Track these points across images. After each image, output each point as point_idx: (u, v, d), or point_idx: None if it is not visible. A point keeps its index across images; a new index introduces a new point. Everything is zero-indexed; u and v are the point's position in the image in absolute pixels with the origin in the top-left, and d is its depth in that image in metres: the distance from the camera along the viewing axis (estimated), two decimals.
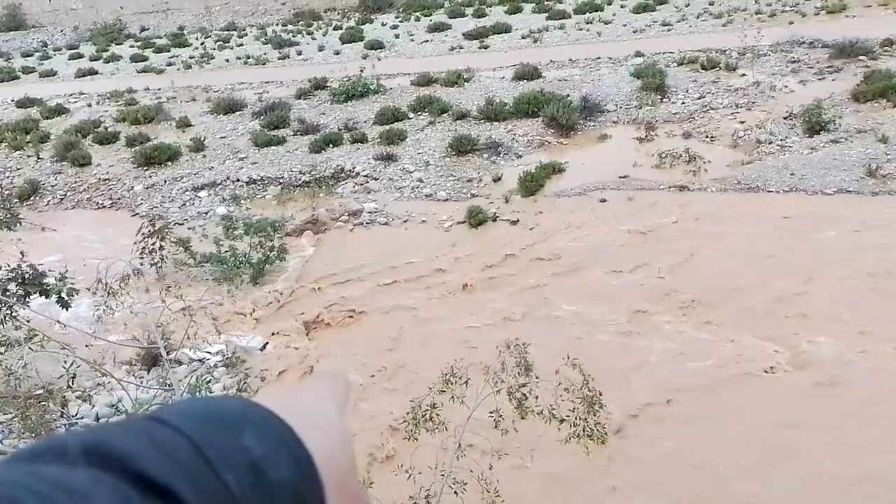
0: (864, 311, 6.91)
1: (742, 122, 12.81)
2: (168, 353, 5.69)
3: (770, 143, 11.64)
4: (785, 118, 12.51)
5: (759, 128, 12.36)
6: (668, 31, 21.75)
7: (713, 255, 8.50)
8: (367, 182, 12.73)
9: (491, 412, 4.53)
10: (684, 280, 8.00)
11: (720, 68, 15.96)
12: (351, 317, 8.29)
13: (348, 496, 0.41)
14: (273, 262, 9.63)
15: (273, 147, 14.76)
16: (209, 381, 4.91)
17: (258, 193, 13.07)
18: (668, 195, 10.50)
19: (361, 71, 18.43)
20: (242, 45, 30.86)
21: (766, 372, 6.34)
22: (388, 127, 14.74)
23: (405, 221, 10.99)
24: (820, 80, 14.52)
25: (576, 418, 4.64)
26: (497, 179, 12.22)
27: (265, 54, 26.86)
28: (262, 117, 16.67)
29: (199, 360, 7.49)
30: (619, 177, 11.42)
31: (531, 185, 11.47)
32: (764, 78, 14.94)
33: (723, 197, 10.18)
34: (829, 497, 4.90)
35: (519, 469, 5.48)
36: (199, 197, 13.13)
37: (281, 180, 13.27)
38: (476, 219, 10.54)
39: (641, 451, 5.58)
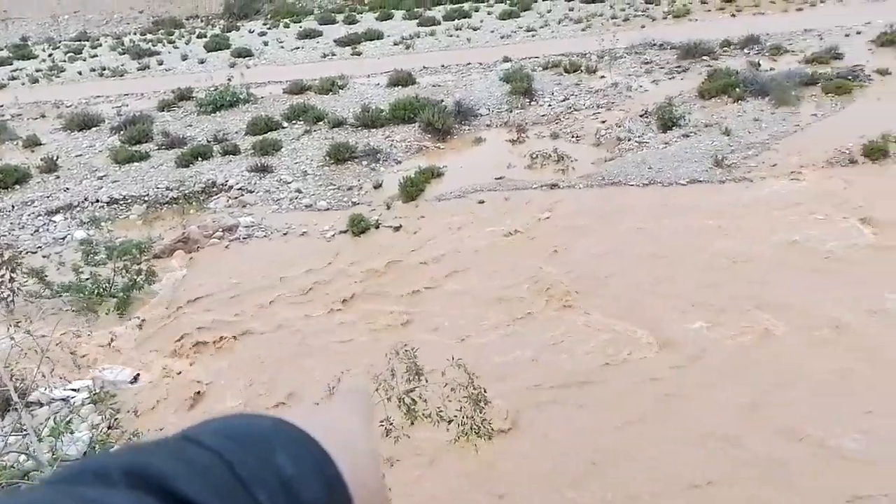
0: (720, 292, 7.55)
1: (603, 122, 13.60)
2: (21, 395, 5.18)
3: (629, 140, 12.45)
4: (641, 116, 13.43)
5: (619, 126, 13.18)
6: (533, 36, 22.72)
7: (585, 248, 8.95)
8: (242, 195, 12.26)
9: (381, 421, 4.50)
10: (560, 274, 8.37)
11: (582, 71, 16.86)
12: (232, 338, 7.94)
13: None
14: (141, 286, 9.03)
15: (135, 163, 13.87)
16: (70, 422, 4.52)
17: (121, 214, 12.23)
18: (541, 193, 10.94)
19: (229, 80, 17.79)
20: (97, 55, 28.79)
21: (641, 356, 6.76)
22: (261, 137, 14.30)
23: (285, 234, 10.70)
24: (670, 79, 15.72)
25: (463, 417, 4.73)
26: (378, 186, 12.19)
27: (123, 65, 25.20)
28: (121, 132, 15.62)
29: (63, 400, 6.89)
30: (496, 178, 11.76)
31: (412, 190, 11.54)
32: (621, 79, 15.96)
33: (590, 192, 10.75)
34: (694, 455, 5.32)
35: (413, 473, 5.49)
36: (55, 221, 12.08)
37: (146, 198, 12.49)
38: (359, 227, 10.45)
39: (527, 445, 5.77)
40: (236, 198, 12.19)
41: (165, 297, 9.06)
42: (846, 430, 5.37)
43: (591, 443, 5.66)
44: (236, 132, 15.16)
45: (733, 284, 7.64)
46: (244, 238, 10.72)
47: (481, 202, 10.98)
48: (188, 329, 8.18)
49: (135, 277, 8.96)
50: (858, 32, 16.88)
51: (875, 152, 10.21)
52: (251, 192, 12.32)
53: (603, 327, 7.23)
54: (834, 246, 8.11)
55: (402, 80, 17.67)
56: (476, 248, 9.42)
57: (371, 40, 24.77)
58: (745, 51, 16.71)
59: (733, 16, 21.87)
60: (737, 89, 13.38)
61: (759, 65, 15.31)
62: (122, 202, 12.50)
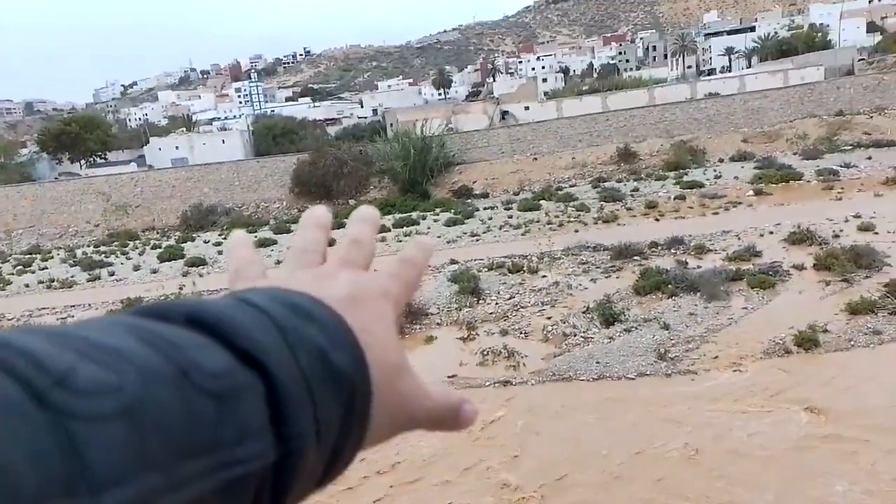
0: (685, 485, 7.37)
1: (549, 318, 14.08)
2: None
3: (575, 336, 12.83)
4: (584, 312, 14.00)
5: (564, 322, 13.65)
6: (477, 240, 24.20)
7: (539, 446, 8.76)
8: None
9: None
10: (518, 474, 8.07)
11: (524, 271, 17.79)
12: None
13: (397, 395, 0.43)
14: None
15: None
16: None
17: None
18: (494, 391, 10.91)
19: (181, 288, 17.92)
20: (47, 267, 28.84)
21: None
22: None
23: None
24: (606, 277, 16.69)
25: None
26: None
27: (72, 276, 25.23)
28: None
29: None
30: (448, 376, 11.74)
31: None
32: (561, 278, 16.86)
33: (542, 388, 10.79)
34: None
35: None
36: None
37: None
38: None
39: None
40: None
41: None
42: None
43: None
44: None
45: (693, 482, 7.49)
46: None
47: None
48: None
49: None
50: (771, 233, 18.66)
51: (806, 342, 10.78)
52: None
53: None
54: (783, 437, 8.19)
55: None
56: (432, 452, 9.09)
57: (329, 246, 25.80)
58: (672, 251, 18.10)
59: (657, 220, 23.99)
60: (669, 286, 14.26)
61: (687, 263, 16.52)
62: None
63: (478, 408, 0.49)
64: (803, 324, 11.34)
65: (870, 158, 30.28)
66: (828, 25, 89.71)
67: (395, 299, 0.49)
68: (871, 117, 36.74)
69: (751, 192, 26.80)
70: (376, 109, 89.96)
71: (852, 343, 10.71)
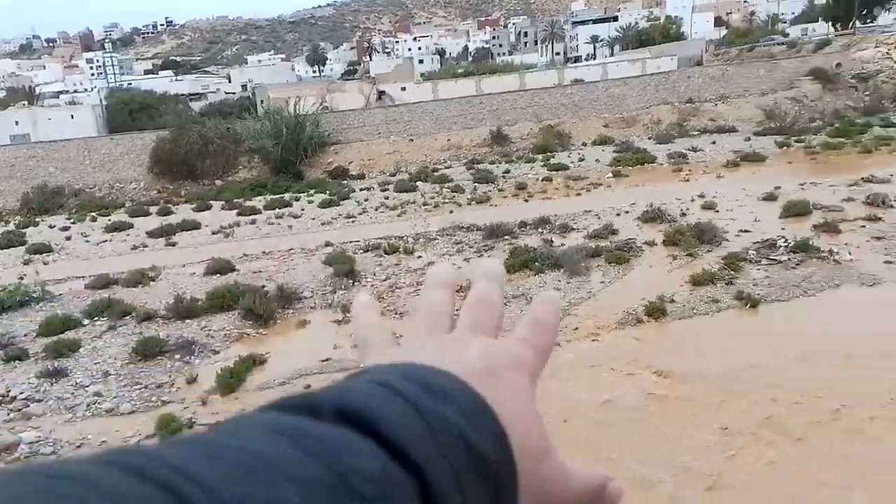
0: None
1: None
2: None
3: None
4: (457, 292, 14.27)
5: None
6: (353, 222, 23.93)
7: None
8: (28, 406, 10.72)
9: None
10: None
11: (400, 252, 17.85)
12: None
13: (542, 480, 0.41)
14: None
15: None
16: None
17: None
18: None
19: (21, 278, 16.24)
20: None
21: None
22: (55, 338, 12.93)
23: (78, 447, 9.37)
24: (479, 256, 17.12)
25: None
26: (192, 381, 11.36)
27: None
28: None
29: None
30: (321, 360, 11.57)
31: (231, 381, 10.90)
32: (436, 258, 17.09)
33: None
34: None
35: None
36: None
37: None
38: (169, 429, 9.49)
39: None
40: (19, 409, 10.61)
41: None
42: None
43: None
44: (25, 335, 13.59)
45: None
46: (26, 457, 9.21)
47: (307, 387, 10.60)
48: None
49: None
50: (627, 212, 19.98)
51: (655, 312, 11.70)
52: (39, 400, 10.83)
53: None
54: (634, 400, 8.87)
55: (220, 268, 17.37)
56: None
57: (188, 230, 24.41)
58: (539, 230, 18.90)
59: (526, 201, 24.92)
60: (536, 263, 14.90)
61: (552, 241, 17.33)
62: None
63: (621, 485, 0.46)
64: (654, 295, 12.30)
65: (714, 143, 33.19)
66: (681, 18, 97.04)
67: (531, 369, 0.46)
68: (716, 105, 40.21)
69: (610, 175, 28.51)
70: (246, 85, 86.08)
71: (695, 311, 11.77)
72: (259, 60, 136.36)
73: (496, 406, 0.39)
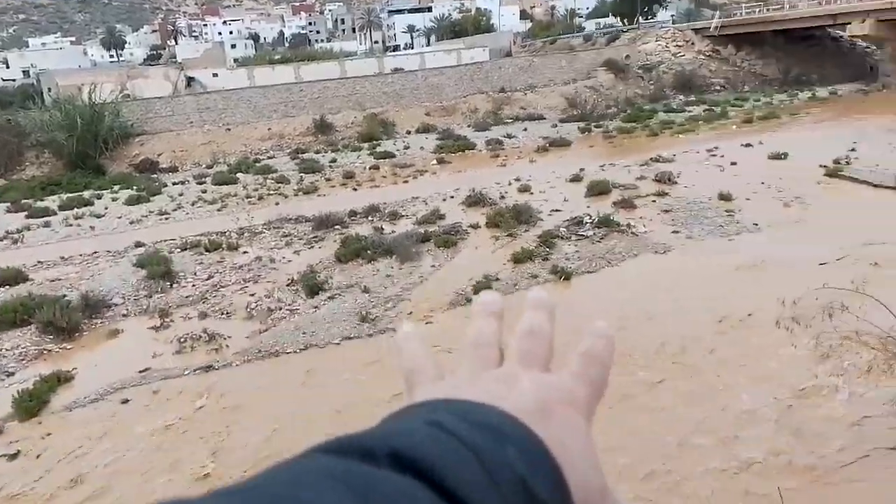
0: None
1: (252, 295, 13.66)
2: None
3: (281, 310, 12.68)
4: (288, 285, 13.90)
5: (269, 297, 13.38)
6: (166, 219, 22.20)
7: (246, 431, 8.53)
8: None
9: None
10: (227, 466, 7.75)
11: (223, 249, 16.91)
12: None
13: None
14: None
15: None
16: None
17: None
18: (195, 378, 10.25)
19: None
20: None
21: None
22: None
23: None
24: (310, 248, 16.78)
25: None
26: None
27: None
28: None
29: None
30: (139, 371, 10.66)
31: (31, 405, 9.66)
32: (264, 252, 16.45)
33: (248, 368, 10.47)
34: None
35: None
36: None
37: None
38: None
39: None
40: None
41: None
42: None
43: None
44: None
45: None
46: None
47: (125, 401, 9.74)
48: None
49: None
50: (452, 197, 20.68)
51: (482, 290, 12.25)
52: None
53: None
54: None
55: (8, 278, 15.25)
56: (121, 461, 8.18)
57: None
58: (369, 218, 18.93)
59: (355, 189, 24.81)
60: (368, 251, 14.93)
61: (383, 229, 17.46)
62: None
63: None
64: (480, 275, 12.92)
65: (525, 130, 35.41)
66: (490, 10, 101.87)
67: (585, 406, 0.43)
68: (526, 94, 42.89)
69: (434, 162, 29.34)
70: (28, 71, 75.93)
71: (517, 287, 12.54)
72: (43, 43, 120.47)
73: (552, 446, 0.37)
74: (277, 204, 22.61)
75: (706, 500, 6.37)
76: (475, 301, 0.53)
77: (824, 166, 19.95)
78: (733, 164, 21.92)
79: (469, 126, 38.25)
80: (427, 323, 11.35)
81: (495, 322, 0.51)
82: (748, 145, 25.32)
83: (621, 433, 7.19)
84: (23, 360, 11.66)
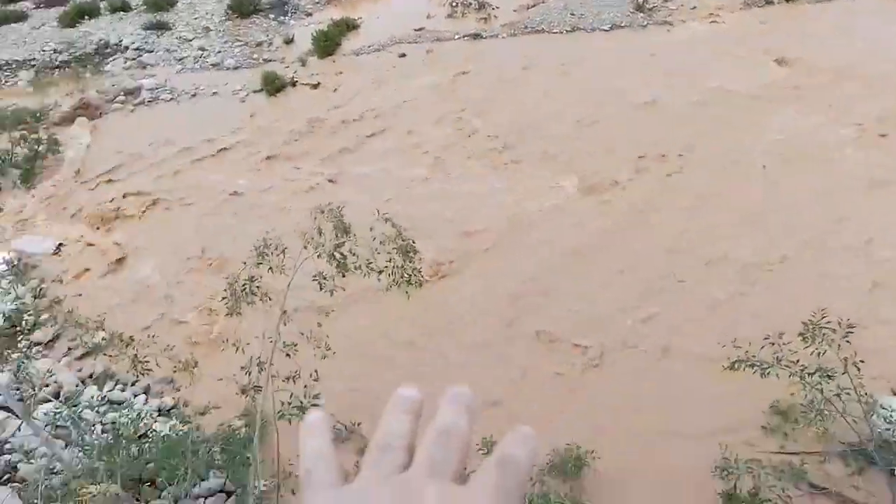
0: (646, 131, 7.76)
1: None
2: None
3: None
4: None
5: None
6: None
7: (511, 98, 8.88)
8: (141, 56, 11.29)
9: (314, 276, 4.56)
10: (486, 125, 8.34)
11: None
12: (151, 203, 7.67)
13: None
14: (44, 156, 8.44)
15: (12, 24, 12.37)
16: None
17: (6, 81, 11.09)
18: (464, 44, 10.59)
19: None
20: None
21: (566, 202, 7.01)
22: None
23: (193, 96, 10.06)
24: None
25: (393, 268, 4.86)
26: (289, 41, 11.46)
27: None
28: None
29: None
30: (415, 29, 11.24)
31: (327, 44, 10.92)
32: None
33: (513, 41, 10.49)
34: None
35: (347, 322, 5.72)
36: None
37: (33, 63, 11.32)
38: (273, 85, 9.93)
39: (457, 289, 6.06)
40: (134, 59, 11.22)
41: (73, 166, 8.52)
42: None
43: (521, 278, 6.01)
44: None
45: (655, 128, 7.84)
46: (149, 101, 10.03)
47: (403, 55, 10.55)
48: (102, 197, 7.82)
49: (35, 147, 8.36)
50: None
51: None
52: (150, 51, 11.35)
53: (529, 176, 7.39)
54: (751, 87, 8.37)
55: None
56: (400, 104, 9.18)
57: None
58: None
59: None
60: None
61: None
62: (5, 68, 11.29)
63: None
64: None
65: None
66: None
67: None
68: None
69: None
70: None
71: None
72: None
73: None
74: None
75: None
76: (393, 395, 0.44)
77: None
78: None
79: None
80: (712, 22, 10.07)
81: (409, 421, 0.43)
82: None
83: None
84: (318, 3, 12.84)
